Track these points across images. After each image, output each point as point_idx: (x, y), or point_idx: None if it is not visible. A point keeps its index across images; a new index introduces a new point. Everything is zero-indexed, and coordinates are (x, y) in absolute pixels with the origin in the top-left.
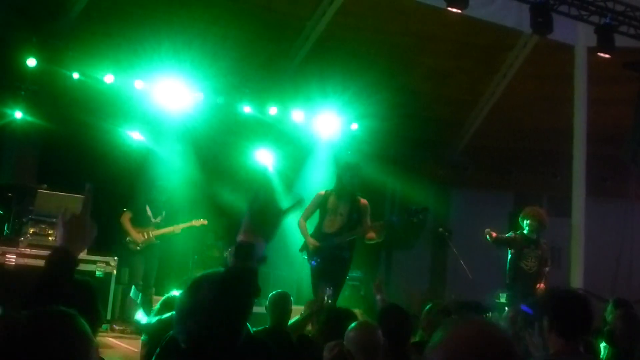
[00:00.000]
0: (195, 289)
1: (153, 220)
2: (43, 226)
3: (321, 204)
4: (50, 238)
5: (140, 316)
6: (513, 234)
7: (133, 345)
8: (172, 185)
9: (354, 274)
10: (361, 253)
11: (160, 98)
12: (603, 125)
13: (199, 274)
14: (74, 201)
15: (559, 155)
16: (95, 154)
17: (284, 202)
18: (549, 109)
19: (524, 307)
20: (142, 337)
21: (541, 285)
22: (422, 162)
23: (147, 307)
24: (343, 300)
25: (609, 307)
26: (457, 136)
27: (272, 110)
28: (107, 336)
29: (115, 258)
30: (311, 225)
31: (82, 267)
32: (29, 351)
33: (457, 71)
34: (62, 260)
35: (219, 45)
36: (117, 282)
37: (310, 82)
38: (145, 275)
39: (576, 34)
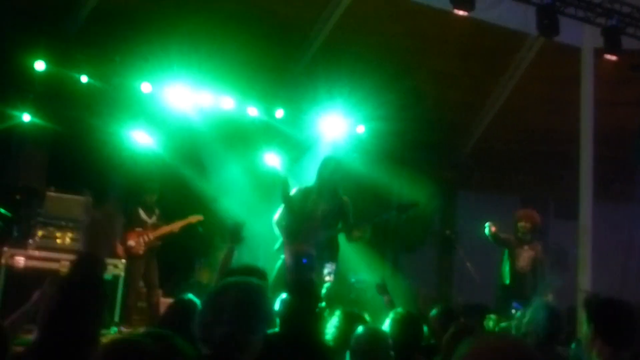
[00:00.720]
0: (220, 293)
1: (149, 221)
2: (51, 229)
3: (300, 200)
4: (58, 241)
5: None
6: (509, 235)
7: None
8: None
9: (360, 276)
10: (367, 256)
11: (167, 101)
12: (610, 128)
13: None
14: (82, 204)
15: (566, 157)
16: (104, 156)
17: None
18: (555, 111)
19: (516, 305)
20: None
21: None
22: (428, 165)
23: (154, 309)
24: (349, 304)
25: None
26: (464, 138)
27: (279, 113)
28: None
29: (123, 261)
30: None
31: None
32: None
33: (463, 73)
34: (88, 264)
35: (226, 49)
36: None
37: (317, 85)
38: (148, 277)
39: (583, 36)
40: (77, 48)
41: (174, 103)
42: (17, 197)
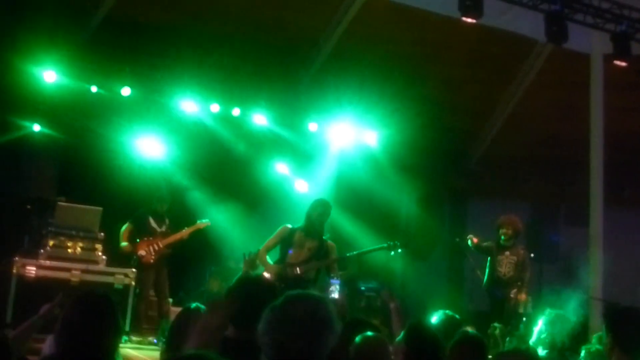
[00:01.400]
0: (288, 304)
1: (159, 230)
2: (62, 238)
3: (286, 238)
4: (69, 250)
5: None
6: (490, 242)
7: (151, 356)
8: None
9: (370, 284)
10: (377, 264)
11: (177, 110)
12: (620, 133)
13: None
14: (92, 214)
15: (576, 164)
16: (113, 166)
17: None
18: (565, 117)
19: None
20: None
21: (522, 296)
22: (438, 172)
23: (165, 319)
24: (359, 311)
25: None
26: (473, 145)
27: (288, 121)
28: (126, 347)
29: (134, 270)
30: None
31: (101, 279)
32: None
33: (473, 80)
34: None
35: (235, 57)
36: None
37: (326, 93)
38: (159, 286)
39: (592, 42)
40: (87, 59)
41: (184, 112)
42: (28, 207)
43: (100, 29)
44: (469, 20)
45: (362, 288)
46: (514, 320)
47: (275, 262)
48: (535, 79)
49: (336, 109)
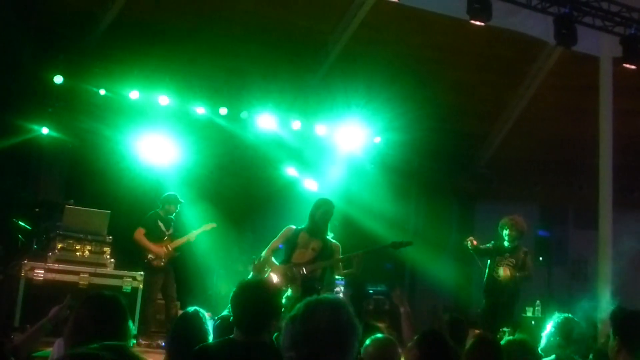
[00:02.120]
0: (310, 314)
1: (167, 233)
2: (71, 241)
3: (290, 239)
4: (77, 253)
5: None
6: (490, 245)
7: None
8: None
9: (378, 287)
10: (386, 267)
11: (185, 113)
12: (629, 136)
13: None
14: (100, 217)
15: (585, 166)
16: (121, 169)
17: None
18: (573, 120)
19: None
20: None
21: (506, 271)
22: (446, 175)
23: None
24: (367, 314)
25: None
26: (482, 148)
27: (296, 124)
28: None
29: (141, 273)
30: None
31: (109, 282)
32: None
33: (481, 83)
34: None
35: (244, 61)
36: None
37: (334, 96)
38: (167, 289)
39: (601, 45)
40: (95, 62)
41: (192, 115)
42: (37, 210)
43: (109, 32)
44: (478, 23)
45: (370, 291)
46: (502, 297)
47: (281, 263)
48: (544, 81)
49: (344, 112)
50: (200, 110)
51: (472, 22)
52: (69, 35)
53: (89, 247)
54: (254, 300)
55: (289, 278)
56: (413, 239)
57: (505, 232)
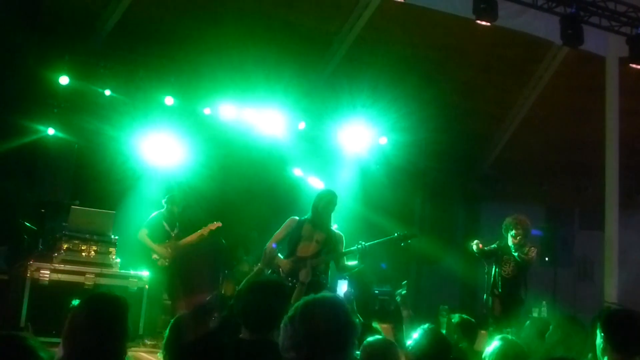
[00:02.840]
0: (309, 314)
1: (172, 233)
2: (76, 242)
3: (294, 230)
4: (83, 254)
5: None
6: (495, 245)
7: None
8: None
9: (383, 288)
10: (391, 267)
11: (190, 113)
12: (635, 137)
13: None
14: (106, 217)
15: (591, 167)
16: (127, 170)
17: None
18: (579, 120)
19: None
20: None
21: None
22: (452, 176)
23: None
24: (373, 315)
25: None
26: (487, 149)
27: (302, 124)
28: (140, 350)
29: (147, 273)
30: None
31: (115, 282)
32: None
33: (487, 84)
34: None
35: (249, 61)
36: None
37: (340, 96)
38: (172, 289)
39: (607, 45)
40: (100, 62)
41: (198, 115)
42: (42, 210)
43: (114, 32)
44: (484, 23)
45: (376, 292)
46: (509, 297)
47: (285, 257)
48: (550, 82)
49: (350, 112)
50: (206, 110)
51: (478, 22)
52: (75, 36)
53: (94, 248)
54: (262, 299)
55: (294, 273)
56: (419, 240)
57: (513, 232)
